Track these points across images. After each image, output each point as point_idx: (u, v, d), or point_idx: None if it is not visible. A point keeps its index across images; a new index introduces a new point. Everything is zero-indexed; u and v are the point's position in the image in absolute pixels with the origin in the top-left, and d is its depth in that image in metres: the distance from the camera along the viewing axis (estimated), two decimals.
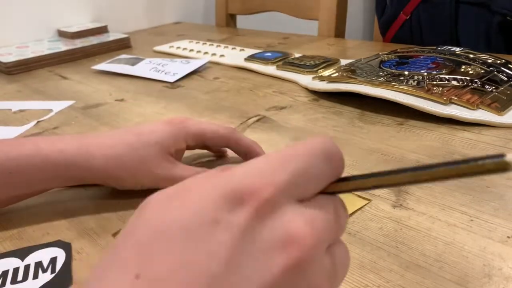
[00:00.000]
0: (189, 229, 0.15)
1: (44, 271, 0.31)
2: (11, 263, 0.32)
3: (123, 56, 0.88)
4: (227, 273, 0.15)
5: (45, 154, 0.35)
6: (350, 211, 0.35)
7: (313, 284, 0.16)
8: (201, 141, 0.40)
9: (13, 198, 0.38)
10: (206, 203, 0.16)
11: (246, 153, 0.41)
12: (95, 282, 0.16)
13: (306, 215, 0.17)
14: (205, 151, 0.45)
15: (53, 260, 0.32)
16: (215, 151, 0.45)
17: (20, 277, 0.31)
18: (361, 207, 0.35)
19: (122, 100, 0.66)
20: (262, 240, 0.15)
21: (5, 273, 0.31)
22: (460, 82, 0.51)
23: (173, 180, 0.37)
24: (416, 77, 0.53)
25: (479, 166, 0.17)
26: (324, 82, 0.60)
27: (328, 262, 0.17)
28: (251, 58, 0.77)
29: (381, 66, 0.59)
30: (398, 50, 0.65)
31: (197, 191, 0.16)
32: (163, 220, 0.16)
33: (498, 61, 0.57)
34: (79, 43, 0.95)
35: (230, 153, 0.44)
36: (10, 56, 0.87)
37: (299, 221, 0.16)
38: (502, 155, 0.16)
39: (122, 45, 1.00)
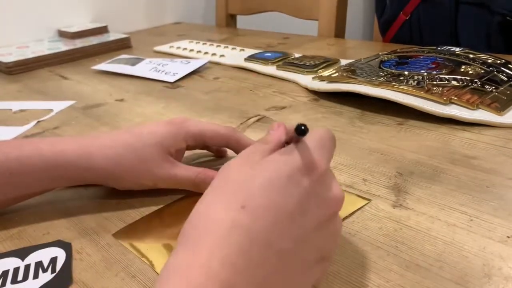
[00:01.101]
0: (273, 181, 0.23)
1: (45, 271, 0.31)
2: (12, 263, 0.32)
3: (123, 56, 0.88)
4: (298, 211, 0.23)
5: (45, 155, 0.35)
6: (350, 211, 0.35)
7: (336, 226, 0.26)
8: (201, 141, 0.40)
9: (13, 199, 0.38)
10: (285, 168, 0.23)
11: None
12: (203, 208, 0.23)
13: (335, 180, 0.26)
14: (205, 151, 0.45)
15: (53, 260, 0.32)
16: (215, 151, 0.45)
17: (20, 277, 0.31)
18: (361, 207, 0.35)
19: (122, 100, 0.66)
20: (322, 198, 0.24)
21: (6, 273, 0.31)
22: (460, 82, 0.51)
23: (173, 180, 0.38)
24: (416, 77, 0.53)
25: None
26: (324, 82, 0.60)
27: None
28: (251, 58, 0.77)
29: (381, 66, 0.59)
30: (398, 50, 0.65)
31: (274, 163, 0.24)
32: (252, 175, 0.23)
33: (498, 61, 0.57)
34: (79, 43, 0.95)
35: (230, 153, 0.44)
36: (11, 56, 0.87)
37: (337, 186, 0.25)
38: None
39: (122, 45, 1.00)
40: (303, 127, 0.23)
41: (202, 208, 0.23)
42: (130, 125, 0.56)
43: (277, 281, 0.22)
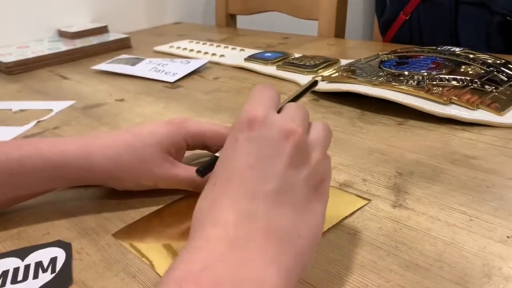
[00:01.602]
0: (226, 149, 0.26)
1: (44, 271, 0.31)
2: (11, 263, 0.32)
3: (123, 56, 0.88)
4: (259, 160, 0.25)
5: (45, 155, 0.35)
6: (350, 211, 0.35)
7: (311, 149, 0.27)
8: (201, 141, 0.40)
9: (13, 199, 0.37)
10: (232, 136, 0.26)
11: None
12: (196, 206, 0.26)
13: (288, 116, 0.27)
14: (205, 151, 0.45)
15: (53, 260, 0.32)
16: (215, 151, 0.45)
17: (20, 277, 0.31)
18: (361, 207, 0.35)
19: (122, 100, 0.66)
20: (271, 138, 0.25)
21: (5, 273, 0.31)
22: (460, 82, 0.51)
23: (173, 180, 0.38)
24: (416, 77, 0.53)
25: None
26: (324, 82, 0.60)
27: (313, 136, 0.28)
28: (251, 58, 0.77)
29: (381, 66, 0.59)
30: (398, 50, 0.65)
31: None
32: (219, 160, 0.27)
33: (498, 61, 0.57)
34: (79, 43, 0.95)
35: None
36: (11, 56, 0.87)
37: (287, 121, 0.26)
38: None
39: (122, 45, 1.00)
40: (201, 169, 0.30)
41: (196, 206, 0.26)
42: (130, 125, 0.56)
43: (295, 212, 0.24)
